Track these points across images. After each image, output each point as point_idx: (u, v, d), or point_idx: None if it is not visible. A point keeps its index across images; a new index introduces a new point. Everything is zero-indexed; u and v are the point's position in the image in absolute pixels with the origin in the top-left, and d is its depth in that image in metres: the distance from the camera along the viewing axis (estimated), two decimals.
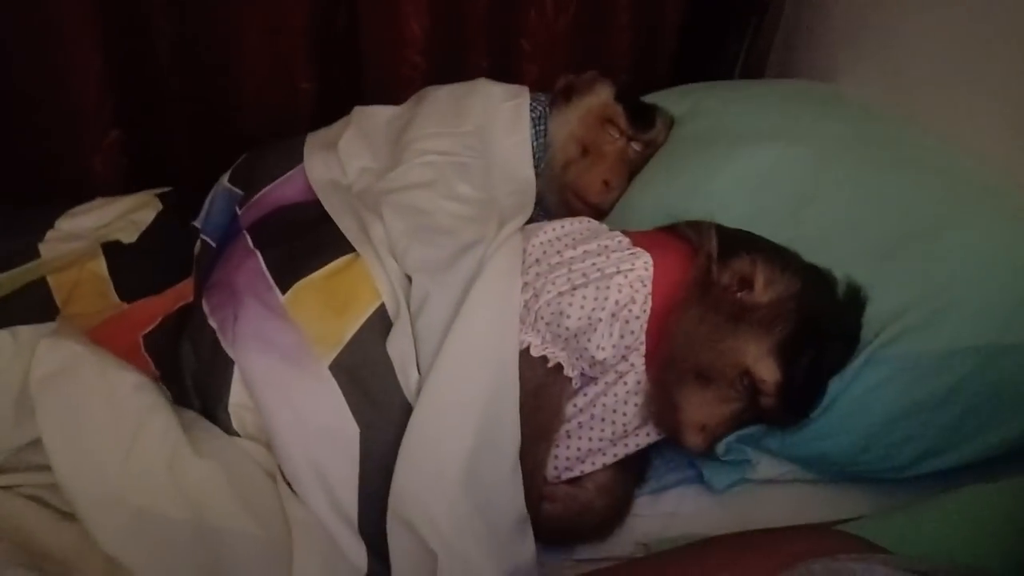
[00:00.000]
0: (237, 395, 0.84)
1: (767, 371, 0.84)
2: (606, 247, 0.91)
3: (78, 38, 1.35)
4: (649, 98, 1.40)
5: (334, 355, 0.84)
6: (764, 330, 0.85)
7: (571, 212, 1.24)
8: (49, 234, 1.20)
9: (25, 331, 0.89)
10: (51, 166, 1.46)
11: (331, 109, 1.56)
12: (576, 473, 0.90)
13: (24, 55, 1.35)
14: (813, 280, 0.89)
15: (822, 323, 0.86)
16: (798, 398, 0.86)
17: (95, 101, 1.41)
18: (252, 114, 1.58)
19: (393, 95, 1.59)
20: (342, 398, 0.82)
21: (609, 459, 0.90)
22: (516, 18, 1.66)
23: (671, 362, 0.88)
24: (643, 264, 0.89)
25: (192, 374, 0.88)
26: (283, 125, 1.59)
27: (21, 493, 0.82)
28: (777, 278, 0.87)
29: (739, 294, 0.87)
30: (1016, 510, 0.75)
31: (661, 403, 0.88)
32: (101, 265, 1.12)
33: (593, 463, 0.89)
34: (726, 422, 0.88)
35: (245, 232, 1.01)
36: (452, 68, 1.66)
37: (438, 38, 1.60)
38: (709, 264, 0.89)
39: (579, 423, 0.89)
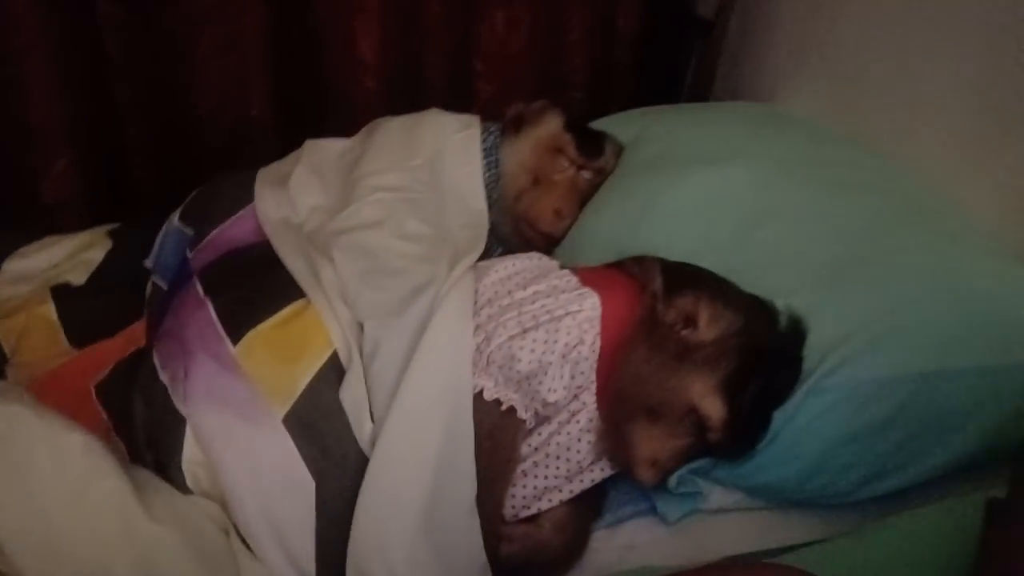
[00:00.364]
0: (190, 452, 0.84)
1: (713, 408, 0.87)
2: (555, 287, 0.93)
3: (29, 64, 1.34)
4: (598, 124, 1.42)
5: (288, 407, 0.85)
6: (709, 368, 0.87)
7: (524, 241, 1.26)
8: None
9: None
10: (3, 193, 1.45)
11: (287, 133, 1.57)
12: (533, 511, 0.91)
13: None
14: (755, 314, 0.92)
15: (765, 357, 0.89)
16: (744, 432, 0.88)
17: (42, 124, 1.40)
18: (209, 139, 1.58)
19: (349, 118, 1.61)
20: (296, 451, 0.83)
21: (565, 495, 0.91)
22: (469, 38, 1.68)
23: (621, 400, 0.90)
24: (591, 305, 0.91)
25: (144, 429, 0.88)
26: (240, 148, 1.60)
27: None
28: (720, 315, 0.89)
29: (684, 332, 0.89)
30: (955, 531, 0.78)
31: (613, 439, 0.91)
32: (50, 310, 1.12)
33: (550, 500, 0.91)
34: (676, 456, 0.90)
35: (196, 278, 1.01)
36: (407, 90, 1.67)
37: (391, 60, 1.61)
38: (655, 303, 0.91)
39: (534, 462, 0.91)
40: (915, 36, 1.22)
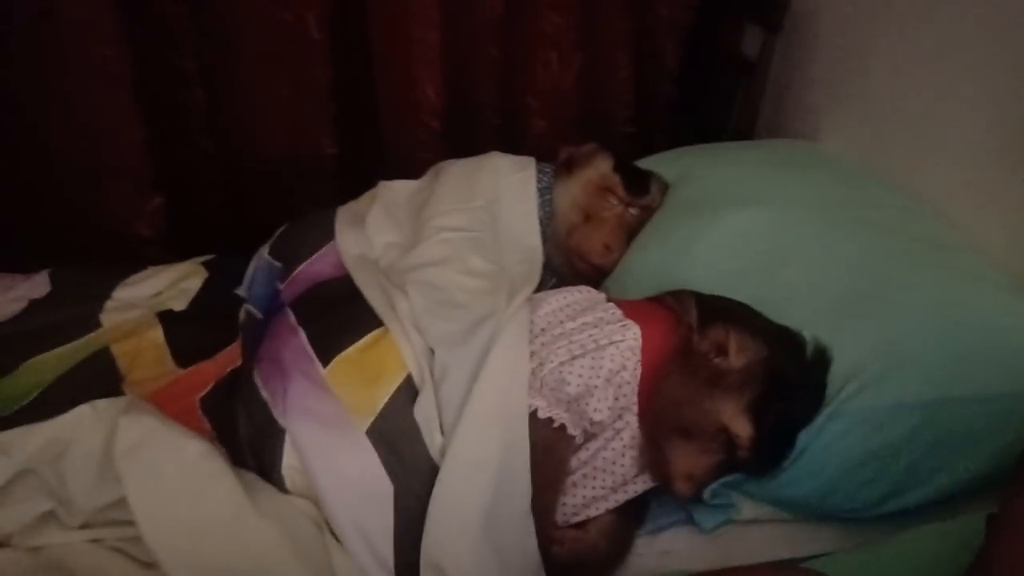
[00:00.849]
0: (289, 459, 0.97)
1: (741, 428, 0.96)
2: (601, 319, 1.04)
3: (118, 111, 1.48)
4: (646, 162, 1.52)
5: (369, 422, 0.97)
6: (737, 392, 0.97)
7: (576, 273, 1.37)
8: (108, 304, 1.32)
9: (102, 404, 1.02)
10: (100, 232, 1.59)
11: (354, 171, 1.71)
12: (582, 518, 1.02)
13: (70, 132, 1.49)
14: (781, 344, 1.01)
15: (789, 383, 0.98)
16: (770, 450, 0.98)
17: (138, 169, 1.54)
18: (281, 179, 1.71)
19: (411, 156, 1.73)
20: (378, 460, 0.95)
21: (611, 504, 1.02)
22: (524, 77, 1.77)
23: (659, 420, 1.00)
24: (632, 335, 1.02)
25: (247, 439, 1.01)
26: (309, 188, 1.73)
27: (106, 545, 0.96)
28: (748, 345, 0.99)
29: (716, 360, 0.99)
30: (960, 546, 0.86)
31: (652, 455, 1.01)
32: (158, 333, 1.24)
33: (597, 508, 1.02)
34: (709, 471, 0.99)
35: (288, 309, 1.14)
36: (465, 127, 1.78)
37: (451, 100, 1.71)
38: (690, 334, 1.02)
39: (583, 474, 1.02)
40: (946, 79, 1.30)
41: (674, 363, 1.01)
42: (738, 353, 0.98)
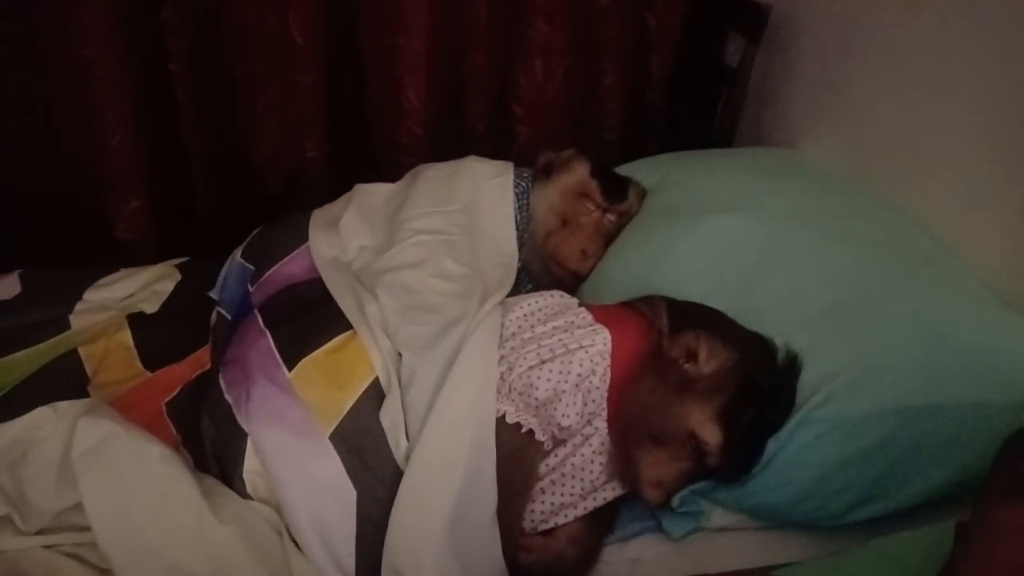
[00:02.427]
0: (251, 463, 0.95)
1: (710, 434, 0.95)
2: (571, 323, 1.03)
3: (101, 114, 1.48)
4: (626, 168, 1.52)
5: (334, 426, 0.95)
6: (706, 398, 0.96)
7: (553, 278, 1.37)
8: (78, 306, 1.30)
9: (63, 406, 1.00)
10: (77, 234, 1.58)
11: (339, 176, 1.70)
12: (551, 525, 1.01)
13: (51, 133, 1.48)
14: (752, 350, 1.00)
15: (759, 389, 0.97)
16: (739, 456, 0.97)
17: (117, 172, 1.54)
18: (266, 183, 1.71)
19: (395, 160, 1.73)
20: (341, 465, 0.93)
21: (580, 512, 1.01)
22: (508, 84, 1.77)
23: (629, 426, 0.99)
24: (602, 340, 1.01)
25: (211, 443, 1.00)
26: (294, 192, 1.72)
27: (61, 551, 0.93)
28: (718, 351, 0.98)
29: (686, 366, 0.98)
30: (930, 554, 0.85)
31: (621, 462, 1.00)
32: (127, 336, 1.23)
33: (566, 515, 1.00)
34: (679, 478, 0.99)
35: (257, 312, 1.13)
36: (449, 133, 1.78)
37: (435, 107, 1.72)
38: (660, 339, 1.01)
39: (551, 480, 1.00)
40: (925, 88, 1.30)
41: (644, 368, 1.00)
42: (708, 359, 0.98)
